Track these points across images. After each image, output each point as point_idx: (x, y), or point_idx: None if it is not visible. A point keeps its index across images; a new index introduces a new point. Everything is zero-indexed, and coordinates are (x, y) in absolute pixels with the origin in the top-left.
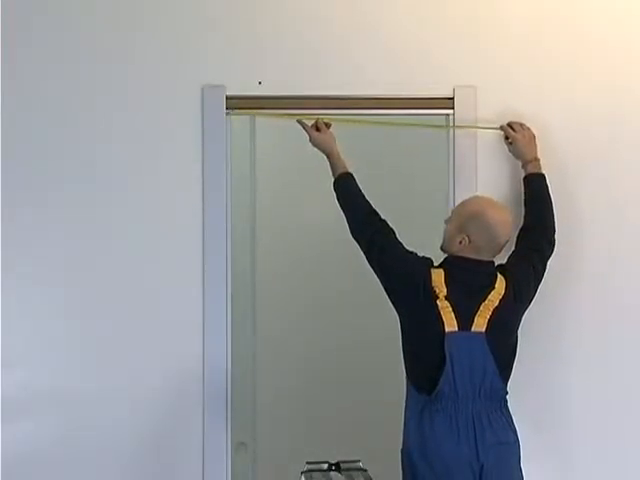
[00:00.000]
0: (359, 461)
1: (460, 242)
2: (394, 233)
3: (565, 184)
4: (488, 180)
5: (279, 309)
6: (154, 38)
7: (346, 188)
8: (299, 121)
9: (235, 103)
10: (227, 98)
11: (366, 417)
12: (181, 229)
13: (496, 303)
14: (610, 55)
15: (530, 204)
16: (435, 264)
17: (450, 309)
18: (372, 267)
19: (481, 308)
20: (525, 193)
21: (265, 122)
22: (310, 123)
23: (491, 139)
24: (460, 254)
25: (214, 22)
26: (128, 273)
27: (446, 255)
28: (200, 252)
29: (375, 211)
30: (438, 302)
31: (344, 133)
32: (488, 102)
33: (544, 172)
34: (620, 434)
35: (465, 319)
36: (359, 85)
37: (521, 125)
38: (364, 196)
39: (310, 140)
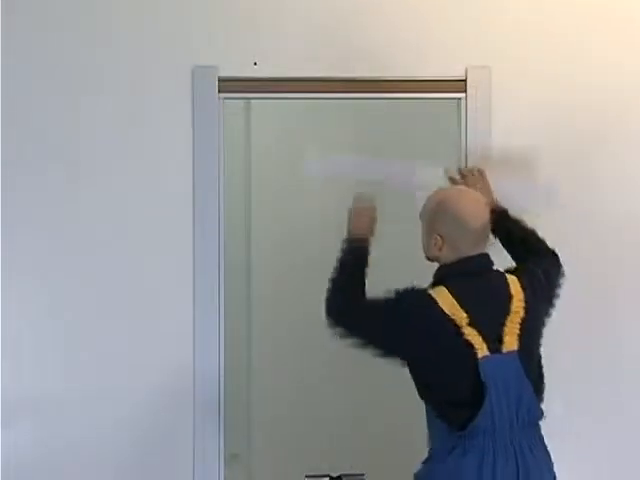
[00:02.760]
0: (363, 475)
1: (435, 244)
2: (378, 307)
3: (583, 164)
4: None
5: (275, 311)
6: (140, 15)
7: (358, 257)
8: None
9: (228, 85)
10: (220, 80)
11: (370, 427)
12: (170, 223)
13: (522, 314)
14: (627, 33)
15: (519, 244)
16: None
17: (476, 333)
18: (375, 352)
19: (507, 324)
20: (506, 240)
21: (261, 106)
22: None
23: (507, 125)
24: (444, 261)
25: None
26: (112, 270)
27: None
28: (190, 249)
29: (364, 295)
30: (463, 330)
31: (353, 117)
32: (503, 84)
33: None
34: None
35: (494, 340)
36: (365, 67)
37: (471, 172)
38: (365, 276)
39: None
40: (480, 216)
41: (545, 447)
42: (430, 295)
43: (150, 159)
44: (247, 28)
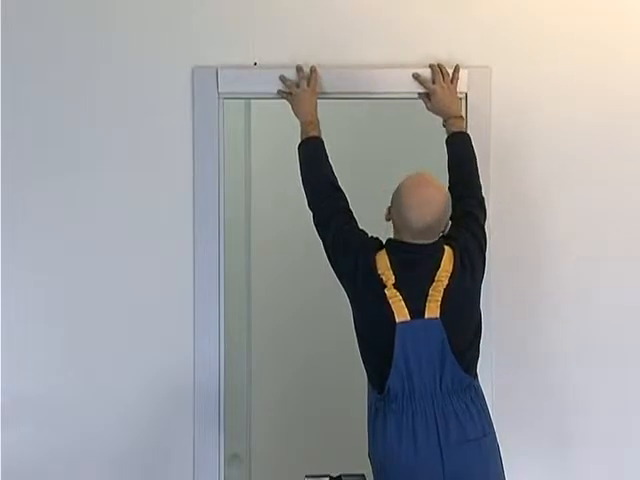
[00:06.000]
0: (364, 475)
1: (387, 215)
2: (349, 210)
3: (584, 163)
4: (503, 174)
5: (276, 310)
6: (141, 15)
7: (311, 152)
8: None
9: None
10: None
11: None
12: (170, 222)
13: (446, 282)
14: (627, 33)
15: (456, 167)
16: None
17: (400, 298)
18: (322, 243)
19: (431, 292)
20: (449, 155)
21: (261, 106)
22: None
23: (507, 124)
24: (393, 235)
25: None
26: (112, 270)
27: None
28: (190, 249)
29: (334, 182)
30: (386, 291)
31: (353, 117)
32: (503, 84)
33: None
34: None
35: (417, 307)
36: (365, 67)
37: (442, 73)
38: (329, 165)
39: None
40: (423, 220)
41: (480, 413)
42: (379, 246)
43: (150, 159)
44: (247, 28)
